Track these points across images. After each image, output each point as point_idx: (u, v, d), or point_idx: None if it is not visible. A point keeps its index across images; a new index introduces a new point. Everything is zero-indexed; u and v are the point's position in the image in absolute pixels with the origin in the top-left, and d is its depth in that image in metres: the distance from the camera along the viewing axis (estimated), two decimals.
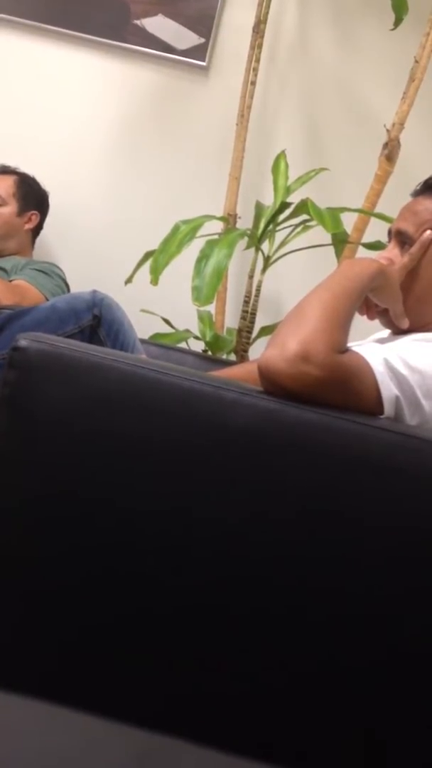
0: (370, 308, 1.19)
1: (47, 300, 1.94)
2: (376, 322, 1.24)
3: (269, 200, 2.13)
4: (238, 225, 2.22)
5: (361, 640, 0.92)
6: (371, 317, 1.22)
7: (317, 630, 0.92)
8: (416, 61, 2.01)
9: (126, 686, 0.92)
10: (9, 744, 0.37)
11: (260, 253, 2.08)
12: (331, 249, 2.06)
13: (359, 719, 0.92)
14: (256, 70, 2.23)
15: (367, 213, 2.04)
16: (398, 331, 1.22)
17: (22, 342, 0.91)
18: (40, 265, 2.20)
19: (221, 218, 2.12)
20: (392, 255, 1.21)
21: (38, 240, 2.40)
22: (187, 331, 2.17)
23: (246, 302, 2.11)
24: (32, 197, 2.34)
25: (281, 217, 2.02)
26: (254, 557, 0.91)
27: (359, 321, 1.12)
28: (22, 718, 0.39)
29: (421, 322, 1.19)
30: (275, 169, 2.15)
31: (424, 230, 1.18)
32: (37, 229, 2.37)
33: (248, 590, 0.91)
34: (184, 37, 2.40)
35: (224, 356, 2.11)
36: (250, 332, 2.10)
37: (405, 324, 1.19)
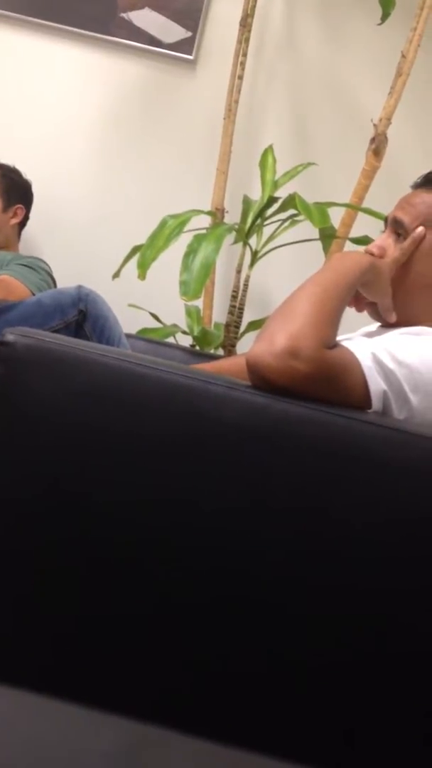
0: (359, 300, 1.19)
1: (33, 295, 1.93)
2: (366, 314, 1.24)
3: (257, 195, 2.13)
4: (225, 219, 2.22)
5: (351, 633, 0.92)
6: (360, 309, 1.22)
7: (307, 623, 0.92)
8: (403, 56, 2.01)
9: (120, 678, 0.92)
10: (3, 736, 0.37)
11: (248, 248, 2.08)
12: (319, 244, 2.06)
13: (352, 713, 0.93)
14: (243, 63, 2.22)
15: (354, 208, 2.04)
16: (386, 324, 1.22)
17: (9, 337, 0.90)
18: (26, 260, 2.18)
19: (209, 213, 2.12)
20: (385, 243, 1.21)
21: (24, 235, 2.38)
22: (175, 325, 2.17)
23: (234, 297, 2.11)
24: (15, 191, 2.30)
25: (269, 211, 2.02)
26: (243, 551, 0.91)
27: (347, 312, 1.12)
28: (16, 710, 0.39)
29: (410, 316, 1.19)
30: (263, 163, 2.15)
31: (418, 225, 1.18)
32: (23, 222, 2.35)
33: (238, 584, 0.91)
34: (171, 31, 2.39)
35: (212, 351, 2.10)
36: (237, 327, 2.10)
37: (392, 318, 1.20)
